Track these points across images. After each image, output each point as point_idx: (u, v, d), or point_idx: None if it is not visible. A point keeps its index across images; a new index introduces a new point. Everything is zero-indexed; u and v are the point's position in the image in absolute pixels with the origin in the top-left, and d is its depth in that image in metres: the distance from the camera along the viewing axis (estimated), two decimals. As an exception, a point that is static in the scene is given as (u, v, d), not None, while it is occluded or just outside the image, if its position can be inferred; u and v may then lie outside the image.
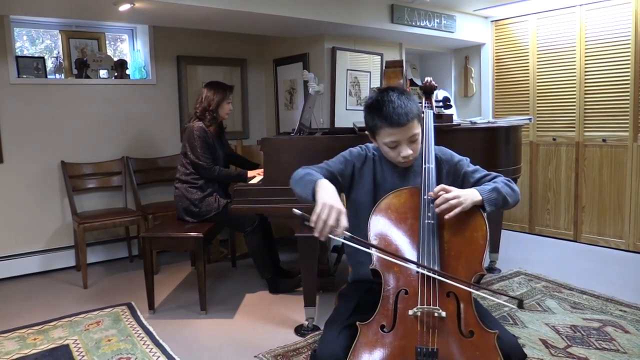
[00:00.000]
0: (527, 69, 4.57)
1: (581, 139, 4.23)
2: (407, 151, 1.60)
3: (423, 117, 1.73)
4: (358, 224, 1.62)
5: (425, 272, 1.40)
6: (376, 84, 4.36)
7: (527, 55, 4.55)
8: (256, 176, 3.18)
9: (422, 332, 1.33)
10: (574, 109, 4.26)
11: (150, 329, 2.72)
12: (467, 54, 5.10)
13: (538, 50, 4.47)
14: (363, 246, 1.47)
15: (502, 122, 3.28)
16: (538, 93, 4.50)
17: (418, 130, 1.61)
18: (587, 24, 4.10)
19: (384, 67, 3.42)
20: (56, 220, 3.86)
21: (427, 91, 1.92)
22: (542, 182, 4.55)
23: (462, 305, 1.38)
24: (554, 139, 4.42)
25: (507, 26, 4.74)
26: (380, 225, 1.54)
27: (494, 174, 1.68)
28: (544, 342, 2.46)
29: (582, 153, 4.24)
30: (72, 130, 3.90)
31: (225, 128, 3.54)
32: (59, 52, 4.10)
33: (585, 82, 4.16)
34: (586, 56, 4.13)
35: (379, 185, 1.70)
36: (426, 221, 1.49)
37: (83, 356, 2.43)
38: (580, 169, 4.26)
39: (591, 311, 2.83)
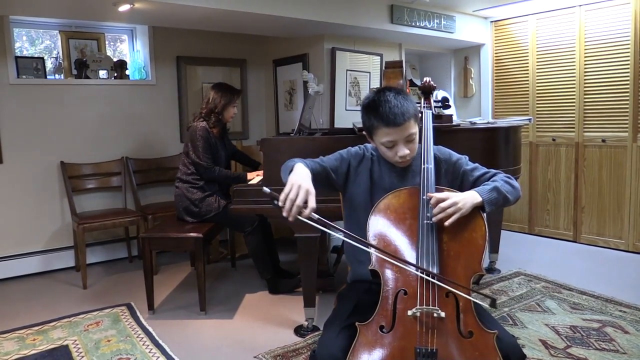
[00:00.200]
0: (527, 70, 4.57)
1: (581, 139, 4.23)
2: (404, 151, 1.60)
3: (420, 117, 1.73)
4: (356, 220, 1.62)
5: (419, 273, 1.40)
6: (376, 84, 4.36)
7: (527, 56, 4.55)
8: (256, 177, 3.18)
9: (421, 332, 1.33)
10: (573, 110, 4.26)
11: (150, 329, 2.72)
12: (466, 54, 5.10)
13: (538, 51, 4.47)
14: (333, 231, 1.44)
15: (502, 122, 3.28)
16: (538, 93, 4.51)
17: (415, 130, 1.61)
18: (586, 24, 4.10)
19: (383, 68, 3.42)
20: (56, 220, 3.86)
21: (426, 91, 1.93)
22: (541, 183, 4.55)
23: (461, 306, 1.38)
24: (554, 140, 4.42)
25: (506, 26, 4.74)
26: (379, 225, 1.54)
27: (494, 171, 1.68)
28: (544, 342, 2.46)
29: (581, 153, 4.24)
30: (72, 131, 3.90)
31: (228, 130, 3.55)
32: (58, 53, 4.10)
33: (585, 83, 4.16)
34: (586, 57, 4.14)
35: (376, 184, 1.70)
36: (425, 221, 1.49)
37: (82, 357, 2.43)
38: (579, 170, 4.26)
39: (591, 311, 2.83)
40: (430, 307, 1.35)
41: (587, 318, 2.74)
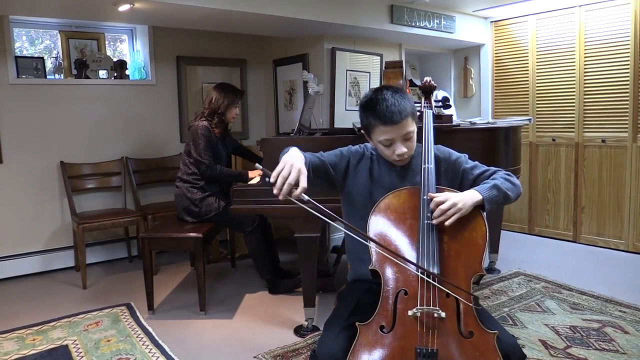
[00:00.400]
0: (527, 70, 4.57)
1: (580, 139, 4.23)
2: (401, 149, 1.60)
3: (419, 116, 1.73)
4: (356, 218, 1.63)
5: (419, 273, 1.40)
6: (376, 84, 4.36)
7: (527, 56, 4.55)
8: (257, 176, 3.18)
9: (421, 332, 1.33)
10: (573, 110, 4.26)
11: (150, 329, 2.72)
12: (466, 54, 5.10)
13: (537, 51, 4.47)
14: (323, 215, 1.40)
15: (502, 122, 3.28)
16: (537, 94, 4.51)
17: (412, 128, 1.61)
18: (586, 24, 4.10)
19: (383, 68, 3.42)
20: (55, 220, 3.86)
21: (426, 91, 1.93)
22: (541, 183, 4.55)
23: (461, 306, 1.38)
24: (554, 140, 4.42)
25: (506, 27, 4.74)
26: (379, 225, 1.54)
27: (493, 168, 1.68)
28: (544, 342, 2.46)
29: (581, 154, 4.24)
30: (72, 131, 3.89)
31: (230, 130, 3.56)
32: (58, 53, 4.10)
33: (585, 83, 4.16)
34: (586, 57, 4.14)
35: (376, 182, 1.70)
36: (425, 221, 1.49)
37: (82, 356, 2.43)
38: (579, 170, 4.26)
39: (590, 312, 2.83)
40: (431, 307, 1.35)
41: (587, 318, 2.74)
